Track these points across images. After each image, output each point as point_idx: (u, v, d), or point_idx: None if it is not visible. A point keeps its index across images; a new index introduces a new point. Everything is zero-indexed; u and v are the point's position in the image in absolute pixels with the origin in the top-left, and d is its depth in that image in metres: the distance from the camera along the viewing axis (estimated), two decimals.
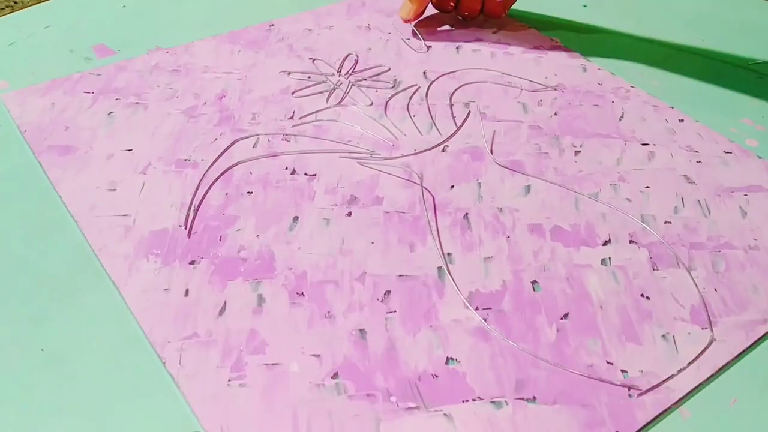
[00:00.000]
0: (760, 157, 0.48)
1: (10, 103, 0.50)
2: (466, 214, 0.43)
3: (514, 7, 0.63)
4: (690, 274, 0.40)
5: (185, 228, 0.41)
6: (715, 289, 0.39)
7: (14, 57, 0.56)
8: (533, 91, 0.54)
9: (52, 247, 0.40)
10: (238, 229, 0.41)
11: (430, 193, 0.44)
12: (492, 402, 0.33)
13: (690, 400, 0.34)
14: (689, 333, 0.37)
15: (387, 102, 0.52)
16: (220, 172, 0.45)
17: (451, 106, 0.52)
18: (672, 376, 0.34)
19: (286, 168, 0.46)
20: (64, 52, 0.57)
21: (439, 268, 0.39)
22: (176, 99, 0.51)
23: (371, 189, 0.44)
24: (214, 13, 0.63)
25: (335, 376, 0.34)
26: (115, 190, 0.44)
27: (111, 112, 0.50)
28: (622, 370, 0.35)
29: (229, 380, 0.34)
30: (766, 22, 0.65)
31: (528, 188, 0.45)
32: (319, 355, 0.35)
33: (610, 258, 0.40)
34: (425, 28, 0.62)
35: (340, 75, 0.55)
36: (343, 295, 0.38)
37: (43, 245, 0.40)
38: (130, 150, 0.47)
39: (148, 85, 0.53)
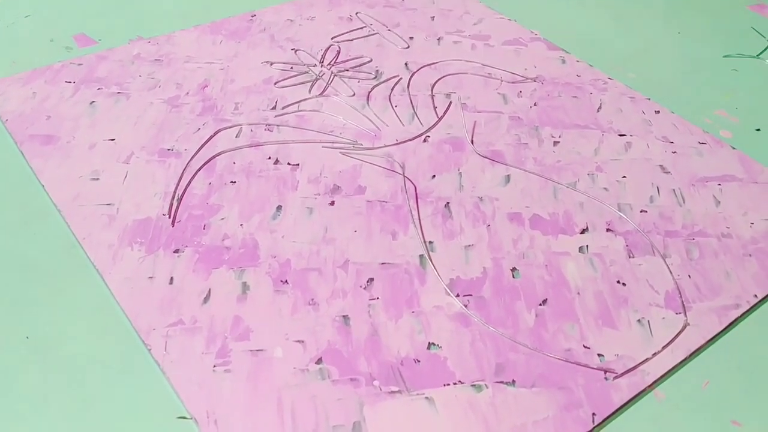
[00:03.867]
0: (733, 148, 0.49)
1: None
2: (448, 203, 0.44)
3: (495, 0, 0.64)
4: (665, 261, 0.41)
5: (169, 217, 0.41)
6: (689, 276, 0.40)
7: None
8: (513, 82, 0.55)
9: (35, 236, 0.40)
10: (222, 218, 0.42)
11: (412, 183, 0.45)
12: (472, 385, 0.34)
13: (664, 383, 0.35)
14: (664, 318, 0.38)
15: (369, 93, 0.53)
16: (204, 162, 0.45)
17: (433, 96, 0.53)
18: (647, 360, 0.35)
19: (269, 158, 0.46)
20: (44, 42, 0.57)
21: (421, 255, 0.40)
22: (159, 89, 0.51)
23: (354, 178, 0.45)
24: (195, 3, 0.63)
25: (319, 361, 0.35)
26: (98, 179, 0.44)
27: (93, 102, 0.50)
28: (599, 354, 0.36)
29: (215, 366, 0.34)
30: (740, 16, 0.66)
31: (508, 178, 0.46)
32: (303, 341, 0.35)
33: (587, 246, 0.41)
34: None
35: (322, 66, 0.55)
36: (327, 282, 0.38)
37: (27, 234, 0.40)
38: (112, 140, 0.47)
39: (129, 75, 0.53)
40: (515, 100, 0.53)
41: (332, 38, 0.59)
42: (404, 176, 0.45)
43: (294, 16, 0.61)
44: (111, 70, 0.53)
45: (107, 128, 0.48)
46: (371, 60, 0.56)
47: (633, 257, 0.41)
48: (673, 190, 0.46)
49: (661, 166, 0.47)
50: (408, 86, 0.54)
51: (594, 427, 0.33)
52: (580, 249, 0.41)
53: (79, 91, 0.51)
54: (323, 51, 0.57)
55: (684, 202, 0.45)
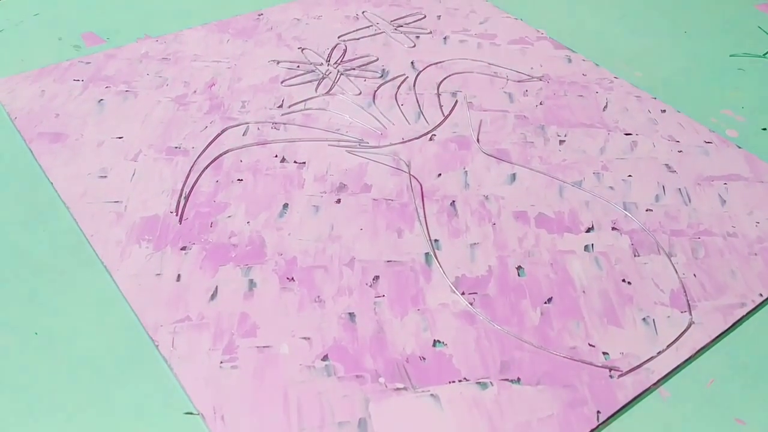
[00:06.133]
0: (739, 147, 0.49)
1: None
2: (453, 201, 0.44)
3: None
4: (670, 260, 0.41)
5: (176, 214, 0.42)
6: (694, 275, 0.40)
7: (3, 44, 0.56)
8: (519, 81, 0.55)
9: (44, 233, 0.41)
10: (229, 216, 0.42)
11: (418, 181, 0.45)
12: (477, 383, 0.34)
13: (669, 381, 0.35)
14: (669, 316, 0.38)
15: (375, 91, 0.53)
16: (211, 160, 0.46)
17: (439, 95, 0.53)
18: (652, 358, 0.36)
19: (276, 156, 0.46)
20: (53, 40, 0.57)
21: (427, 253, 0.40)
22: (166, 87, 0.52)
23: (360, 177, 0.45)
24: (202, 2, 0.63)
25: (325, 358, 0.35)
26: (106, 177, 0.44)
27: (101, 100, 0.50)
28: (604, 352, 0.36)
29: (221, 362, 0.34)
30: (747, 15, 0.66)
31: (513, 176, 0.46)
32: (309, 338, 0.36)
33: (592, 244, 0.41)
34: None
35: (328, 64, 0.55)
36: (333, 279, 0.39)
37: (36, 231, 0.41)
38: (120, 137, 0.47)
39: (137, 73, 0.53)
40: (521, 99, 0.53)
41: (339, 37, 0.59)
42: (410, 174, 0.45)
43: (301, 15, 0.62)
44: (119, 68, 0.54)
45: (115, 126, 0.48)
46: (377, 59, 0.56)
47: (638, 256, 0.41)
48: (679, 189, 0.46)
49: (666, 165, 0.47)
50: (414, 85, 0.54)
51: (599, 425, 0.33)
52: (586, 247, 0.41)
53: (88, 89, 0.51)
54: (330, 50, 0.57)
55: (690, 201, 0.45)
